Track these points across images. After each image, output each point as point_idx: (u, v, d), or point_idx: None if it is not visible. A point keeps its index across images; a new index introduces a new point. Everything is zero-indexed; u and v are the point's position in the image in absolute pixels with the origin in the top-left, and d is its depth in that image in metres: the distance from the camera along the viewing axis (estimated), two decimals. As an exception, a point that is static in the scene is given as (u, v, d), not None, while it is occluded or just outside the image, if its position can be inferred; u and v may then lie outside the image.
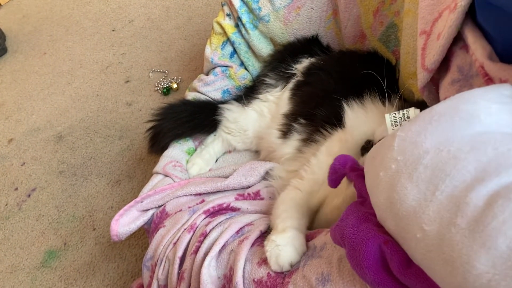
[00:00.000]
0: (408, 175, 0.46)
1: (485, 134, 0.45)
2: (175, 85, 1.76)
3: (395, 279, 0.48)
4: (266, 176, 1.04)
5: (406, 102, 0.91)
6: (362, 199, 0.59)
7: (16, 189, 1.59)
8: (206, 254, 0.77)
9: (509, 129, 0.46)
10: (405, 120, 0.64)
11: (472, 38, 0.58)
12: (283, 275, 0.66)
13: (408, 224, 0.45)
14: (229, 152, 1.27)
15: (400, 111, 0.65)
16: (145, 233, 1.32)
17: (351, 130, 0.87)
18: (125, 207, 1.02)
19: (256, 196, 0.98)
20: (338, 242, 0.58)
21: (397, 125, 0.65)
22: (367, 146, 0.82)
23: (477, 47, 0.57)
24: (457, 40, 0.64)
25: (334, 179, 0.66)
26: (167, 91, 1.76)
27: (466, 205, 0.40)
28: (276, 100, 1.18)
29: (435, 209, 0.42)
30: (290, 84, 1.16)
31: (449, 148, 0.45)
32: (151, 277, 0.92)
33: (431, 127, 0.48)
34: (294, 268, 0.66)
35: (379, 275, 0.49)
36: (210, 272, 0.73)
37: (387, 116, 0.66)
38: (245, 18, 1.25)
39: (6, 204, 1.55)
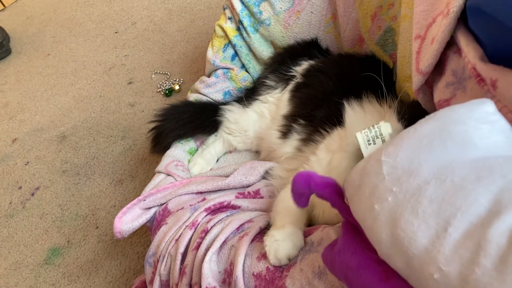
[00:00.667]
0: (412, 209, 0.42)
1: (486, 160, 0.43)
2: (177, 87, 1.78)
3: None
4: (266, 175, 1.07)
5: (403, 103, 0.93)
6: (356, 223, 0.53)
7: (20, 188, 1.62)
8: (207, 250, 0.80)
9: (507, 151, 0.45)
10: (378, 138, 0.61)
11: (465, 42, 0.61)
12: (282, 269, 0.68)
13: (421, 264, 0.41)
14: (230, 152, 1.29)
15: (371, 128, 0.62)
16: (147, 232, 1.35)
17: (350, 129, 0.89)
18: (128, 205, 1.04)
19: (256, 194, 1.01)
20: (337, 277, 0.55)
21: (371, 143, 0.62)
22: None
23: (469, 49, 0.60)
24: (451, 44, 0.66)
25: (302, 201, 0.61)
26: (169, 92, 1.78)
27: (487, 243, 0.37)
28: (276, 102, 1.20)
29: (452, 248, 0.39)
30: (290, 86, 1.19)
31: (452, 177, 0.42)
32: (153, 273, 0.94)
33: (422, 153, 0.45)
34: (292, 262, 0.69)
35: None
36: (211, 267, 0.76)
37: (358, 135, 0.62)
38: (246, 22, 1.28)
39: (10, 203, 1.58)
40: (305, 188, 0.58)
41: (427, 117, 0.48)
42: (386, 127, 0.62)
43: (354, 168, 0.53)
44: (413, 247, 0.41)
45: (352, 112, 0.92)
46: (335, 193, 0.56)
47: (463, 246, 0.38)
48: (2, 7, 2.64)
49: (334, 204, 0.57)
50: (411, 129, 0.48)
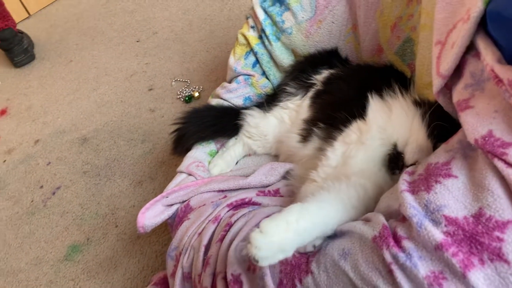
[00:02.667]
0: None
1: None
2: (196, 94, 1.83)
3: None
4: (285, 176, 1.10)
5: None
6: None
7: (42, 187, 1.67)
8: (232, 241, 0.83)
9: None
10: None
11: (483, 45, 0.65)
12: (307, 255, 0.71)
13: None
14: (249, 155, 1.33)
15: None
16: (165, 231, 1.38)
17: (372, 123, 0.91)
18: (151, 201, 1.07)
19: (276, 193, 1.04)
20: None
21: None
22: (394, 157, 0.84)
23: (487, 52, 0.64)
24: (470, 48, 0.70)
25: None
26: (189, 99, 1.83)
27: None
28: (296, 108, 1.24)
29: None
30: (310, 93, 1.23)
31: None
32: (175, 266, 0.97)
33: None
34: (317, 249, 0.72)
35: None
36: (236, 255, 0.79)
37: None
38: (268, 30, 1.33)
39: (32, 201, 1.62)
40: None
41: None
42: None
43: None
44: None
45: (375, 106, 0.95)
46: None
47: None
48: (27, 15, 2.74)
49: None
50: None
